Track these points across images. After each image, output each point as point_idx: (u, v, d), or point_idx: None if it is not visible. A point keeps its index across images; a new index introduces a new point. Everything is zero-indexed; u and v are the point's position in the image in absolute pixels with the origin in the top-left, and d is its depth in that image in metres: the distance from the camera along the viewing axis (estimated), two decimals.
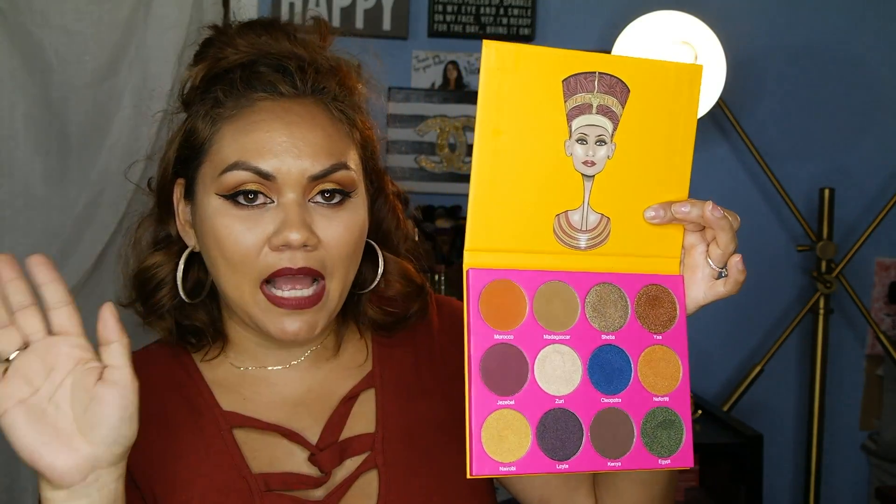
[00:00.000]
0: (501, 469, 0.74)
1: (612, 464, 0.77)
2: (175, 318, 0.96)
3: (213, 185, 0.88)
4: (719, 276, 0.82)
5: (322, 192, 0.88)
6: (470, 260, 0.77)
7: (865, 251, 2.61)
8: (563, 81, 0.76)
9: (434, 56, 2.62)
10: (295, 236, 0.85)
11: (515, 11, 2.61)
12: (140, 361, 0.97)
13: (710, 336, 2.67)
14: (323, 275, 0.88)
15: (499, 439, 0.74)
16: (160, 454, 0.92)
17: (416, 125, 2.62)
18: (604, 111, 0.77)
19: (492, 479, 1.00)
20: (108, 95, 2.19)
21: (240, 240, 0.86)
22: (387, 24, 2.56)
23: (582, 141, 0.77)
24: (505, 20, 2.61)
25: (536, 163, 0.77)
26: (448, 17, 2.60)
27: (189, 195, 0.93)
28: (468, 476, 0.74)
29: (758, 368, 2.45)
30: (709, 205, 0.78)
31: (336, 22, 2.54)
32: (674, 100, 0.78)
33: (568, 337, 0.78)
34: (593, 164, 0.78)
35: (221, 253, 0.87)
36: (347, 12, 2.55)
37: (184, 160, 0.92)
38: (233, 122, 0.88)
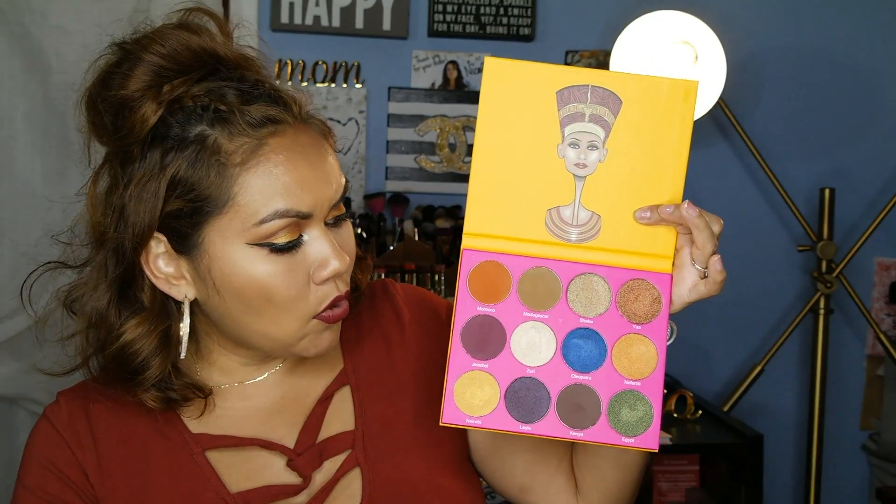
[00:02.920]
0: (468, 421, 0.83)
1: (575, 433, 0.84)
2: (158, 386, 0.90)
3: (241, 235, 0.83)
4: (704, 277, 0.85)
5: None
6: (466, 242, 0.86)
7: (866, 251, 2.61)
8: (556, 93, 0.84)
9: (434, 56, 2.62)
10: (341, 266, 0.86)
11: (515, 11, 2.61)
12: (98, 388, 0.93)
13: (711, 336, 2.67)
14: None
15: (469, 396, 0.84)
16: (132, 487, 0.90)
17: (416, 125, 2.62)
18: (596, 120, 0.84)
19: (479, 475, 1.02)
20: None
21: (289, 283, 0.85)
22: (387, 24, 2.56)
23: (574, 145, 0.85)
24: (505, 20, 2.61)
25: (530, 162, 0.85)
26: (448, 17, 2.60)
27: (182, 249, 0.86)
28: (439, 423, 0.83)
29: (758, 368, 2.45)
30: (685, 203, 0.83)
31: (336, 22, 2.55)
32: (667, 112, 0.84)
33: (547, 316, 0.85)
34: (585, 166, 0.85)
35: (270, 301, 0.85)
36: (347, 12, 2.55)
37: (178, 215, 0.85)
38: (252, 168, 0.83)
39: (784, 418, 2.78)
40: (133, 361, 0.88)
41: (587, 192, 0.85)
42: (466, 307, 0.85)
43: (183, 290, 0.88)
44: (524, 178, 0.85)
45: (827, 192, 2.46)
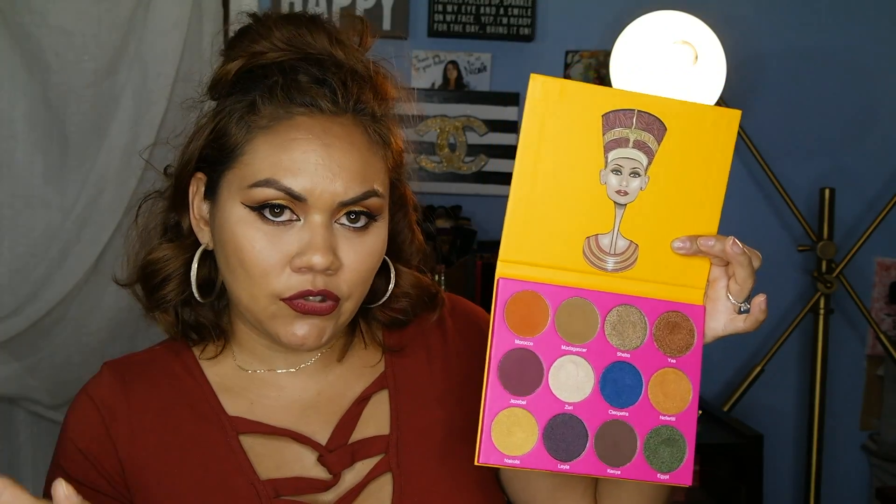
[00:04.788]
0: (506, 461, 0.80)
1: (612, 471, 0.82)
2: (178, 313, 0.95)
3: (239, 193, 0.86)
4: (740, 311, 0.84)
5: (348, 214, 0.87)
6: (502, 270, 0.83)
7: (866, 251, 2.61)
8: (602, 116, 0.81)
9: (434, 56, 2.62)
10: (319, 261, 0.84)
11: (515, 11, 2.61)
12: (143, 364, 0.96)
13: None
14: (339, 297, 0.87)
15: (507, 434, 0.80)
16: (164, 464, 0.91)
17: (416, 125, 2.62)
18: (640, 146, 0.82)
19: (503, 490, 1.01)
20: (108, 95, 2.19)
21: (263, 255, 0.85)
22: (387, 24, 2.56)
23: (617, 171, 0.83)
24: (505, 20, 2.61)
25: (571, 187, 0.82)
26: (448, 17, 2.60)
27: (209, 194, 0.91)
28: (475, 463, 0.80)
29: (758, 368, 2.45)
30: (730, 240, 0.82)
31: (336, 22, 2.54)
32: (709, 141, 0.83)
33: (585, 350, 0.83)
34: (626, 193, 0.83)
35: (241, 264, 0.86)
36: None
37: (209, 159, 0.89)
38: (268, 134, 0.86)
39: (784, 418, 2.78)
40: (154, 278, 0.94)
41: (626, 221, 0.83)
42: (503, 340, 0.81)
43: (206, 237, 0.92)
44: (564, 203, 0.82)
45: (827, 192, 2.45)
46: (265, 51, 0.89)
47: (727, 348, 2.72)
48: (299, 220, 0.85)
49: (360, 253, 0.88)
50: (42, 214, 2.16)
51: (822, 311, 2.46)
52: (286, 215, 0.85)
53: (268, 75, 0.88)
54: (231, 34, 0.95)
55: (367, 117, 0.90)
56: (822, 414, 2.46)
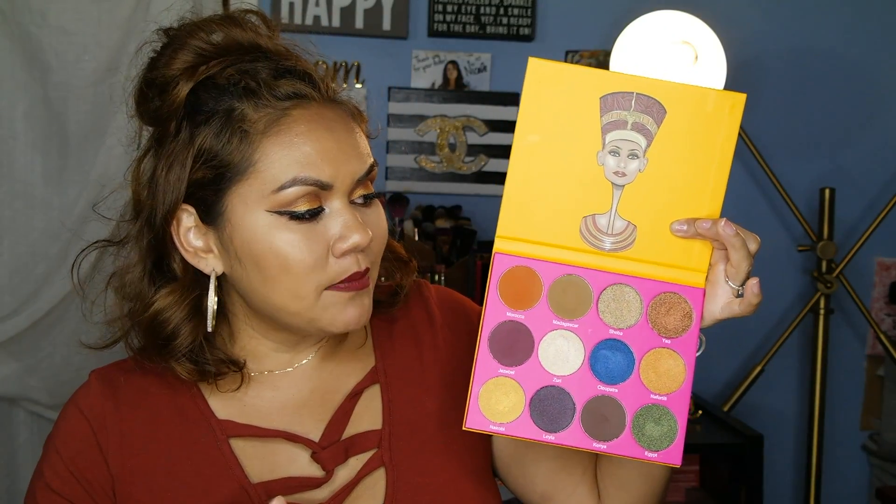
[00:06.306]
0: (491, 427, 0.82)
1: (598, 445, 0.83)
2: (190, 357, 0.92)
3: (261, 202, 0.85)
4: (738, 296, 0.85)
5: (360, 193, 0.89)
6: (499, 245, 0.85)
7: (866, 251, 2.61)
8: (600, 98, 0.82)
9: (434, 56, 2.62)
10: (361, 238, 0.86)
11: (515, 11, 2.61)
12: (131, 370, 0.95)
13: (711, 336, 2.64)
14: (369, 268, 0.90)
15: (494, 402, 0.83)
16: (154, 471, 0.90)
17: (415, 125, 2.62)
18: (638, 128, 0.83)
19: (496, 479, 1.01)
20: (108, 95, 2.19)
21: (306, 252, 0.85)
22: (387, 24, 2.56)
23: (614, 153, 0.83)
24: (505, 20, 2.61)
25: (569, 167, 0.83)
26: (448, 17, 2.60)
27: (209, 219, 0.88)
28: (462, 428, 0.82)
29: (758, 368, 2.45)
30: (722, 221, 0.82)
31: (336, 22, 2.55)
32: (712, 124, 0.83)
33: (576, 325, 0.84)
34: (624, 175, 0.84)
35: (284, 268, 0.85)
36: (347, 12, 2.54)
37: (203, 184, 0.87)
38: (273, 136, 0.85)
39: (784, 418, 2.78)
40: (164, 330, 0.90)
41: (624, 202, 0.84)
42: (495, 312, 0.84)
43: (210, 264, 0.90)
44: (561, 183, 0.83)
45: (827, 192, 2.46)
46: (200, 63, 0.88)
47: (727, 348, 2.72)
48: (323, 209, 0.86)
49: (376, 222, 0.90)
50: (42, 214, 2.16)
51: (822, 311, 2.47)
52: (312, 208, 0.86)
53: (229, 84, 0.87)
54: (146, 54, 0.92)
55: (336, 94, 0.91)
56: (822, 414, 2.46)
